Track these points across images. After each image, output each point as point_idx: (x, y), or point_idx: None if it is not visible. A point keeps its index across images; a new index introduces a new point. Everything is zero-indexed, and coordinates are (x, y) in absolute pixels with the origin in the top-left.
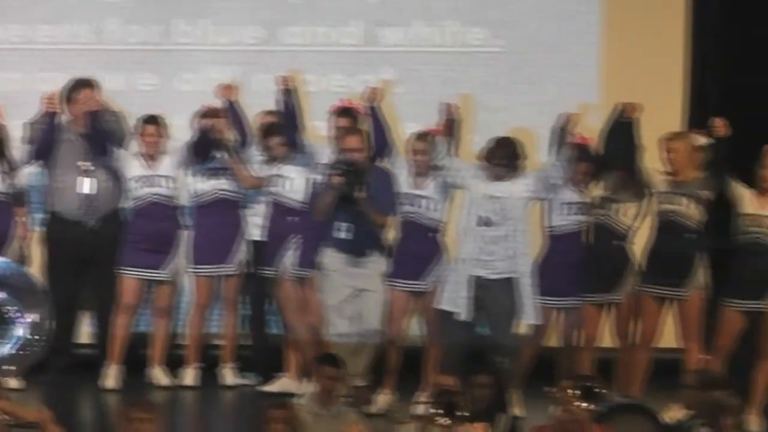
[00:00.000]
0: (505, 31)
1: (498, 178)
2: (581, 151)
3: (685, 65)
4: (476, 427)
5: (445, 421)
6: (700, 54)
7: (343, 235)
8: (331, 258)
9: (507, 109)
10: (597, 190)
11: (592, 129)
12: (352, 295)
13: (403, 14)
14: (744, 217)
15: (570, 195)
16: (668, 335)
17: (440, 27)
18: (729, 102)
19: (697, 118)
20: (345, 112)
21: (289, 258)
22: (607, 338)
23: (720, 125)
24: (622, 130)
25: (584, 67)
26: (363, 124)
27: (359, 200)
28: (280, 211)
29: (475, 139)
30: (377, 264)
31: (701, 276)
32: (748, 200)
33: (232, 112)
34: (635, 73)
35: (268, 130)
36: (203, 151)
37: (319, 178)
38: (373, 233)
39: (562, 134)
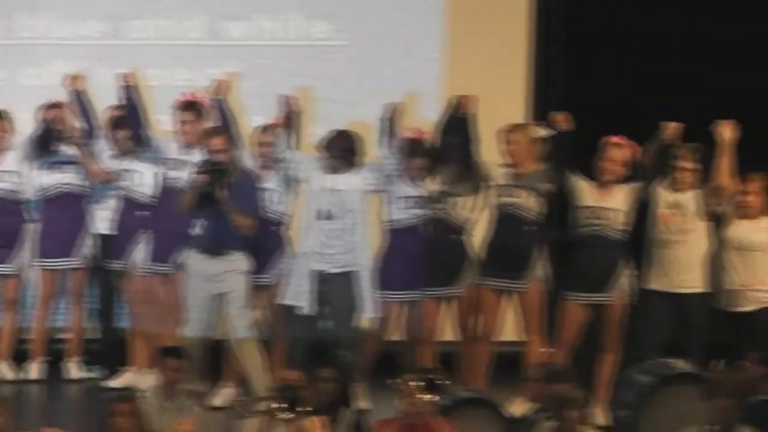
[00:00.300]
0: (349, 25)
1: (336, 170)
2: (415, 146)
3: (529, 57)
4: (314, 421)
5: (288, 415)
6: (544, 46)
7: (197, 231)
8: (190, 258)
9: (352, 102)
10: (434, 184)
11: (429, 121)
12: (212, 294)
13: (247, 8)
14: (583, 209)
15: (407, 189)
16: (511, 328)
17: (284, 21)
18: (573, 93)
19: (541, 110)
20: (189, 106)
21: (139, 252)
22: (449, 331)
23: (561, 120)
24: (458, 123)
25: (428, 60)
26: (208, 117)
27: (221, 199)
28: (129, 205)
29: (319, 132)
30: (238, 263)
31: (541, 268)
32: (587, 193)
33: (78, 102)
34: (479, 65)
35: (115, 124)
36: (46, 143)
37: (167, 172)
38: (234, 231)
39: (390, 124)
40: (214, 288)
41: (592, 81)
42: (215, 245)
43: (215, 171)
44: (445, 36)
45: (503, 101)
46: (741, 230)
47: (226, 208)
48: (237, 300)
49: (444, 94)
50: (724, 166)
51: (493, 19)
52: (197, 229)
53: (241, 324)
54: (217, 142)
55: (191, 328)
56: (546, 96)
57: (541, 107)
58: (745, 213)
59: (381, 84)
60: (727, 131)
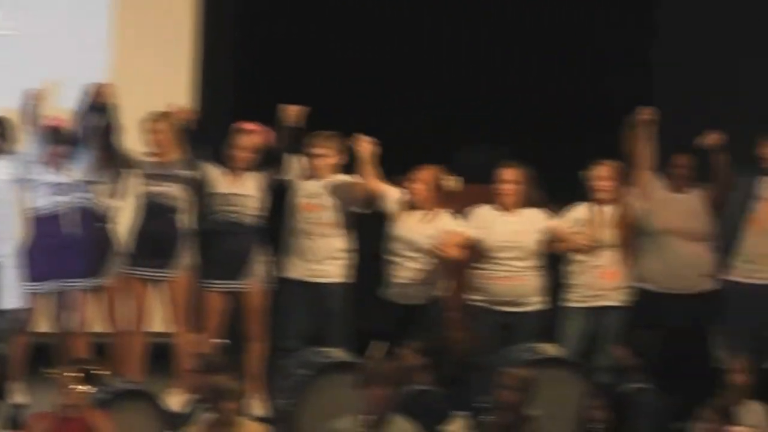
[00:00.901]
0: (17, 13)
1: None
2: (55, 133)
3: (196, 43)
4: None
5: None
6: (211, 31)
7: None
8: None
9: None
10: (77, 172)
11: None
12: None
13: None
14: (216, 196)
15: (49, 176)
16: (161, 318)
17: None
18: (241, 79)
19: (207, 97)
20: None
21: None
22: (101, 322)
23: (187, 111)
24: (98, 111)
25: (94, 47)
26: None
27: None
28: None
29: None
30: None
31: (187, 257)
32: (220, 180)
33: None
34: (145, 52)
35: None
36: None
37: None
38: None
39: (30, 111)
40: None
41: (259, 69)
42: None
43: None
44: (112, 23)
45: (169, 86)
46: (409, 227)
47: None
48: None
49: (110, 81)
50: (368, 174)
51: (161, 7)
52: None
53: None
54: None
55: None
56: (213, 81)
57: (208, 93)
58: (412, 204)
59: (47, 73)
60: (364, 146)
